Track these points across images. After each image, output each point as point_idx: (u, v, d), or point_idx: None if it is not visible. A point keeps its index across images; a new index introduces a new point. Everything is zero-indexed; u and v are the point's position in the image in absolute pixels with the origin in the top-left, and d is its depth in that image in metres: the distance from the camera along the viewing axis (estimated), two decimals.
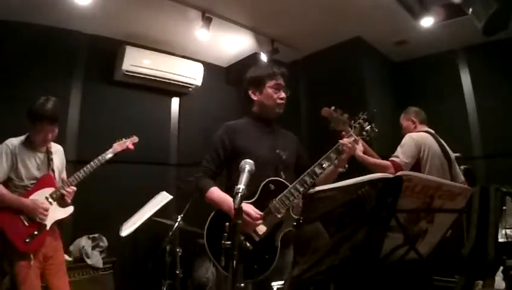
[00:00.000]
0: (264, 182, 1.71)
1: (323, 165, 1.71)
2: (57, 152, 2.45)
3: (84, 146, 3.42)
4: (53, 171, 2.33)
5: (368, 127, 1.82)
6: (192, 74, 4.15)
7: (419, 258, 1.24)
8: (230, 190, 1.75)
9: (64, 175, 2.51)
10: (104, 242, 3.30)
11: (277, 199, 1.69)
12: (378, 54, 4.45)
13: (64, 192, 2.29)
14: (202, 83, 4.24)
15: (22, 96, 3.26)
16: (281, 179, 1.75)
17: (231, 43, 4.11)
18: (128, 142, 2.77)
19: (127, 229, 3.10)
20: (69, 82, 3.61)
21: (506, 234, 2.39)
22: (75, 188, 2.35)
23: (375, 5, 3.36)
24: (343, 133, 1.81)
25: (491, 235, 2.22)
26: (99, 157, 2.48)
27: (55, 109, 2.25)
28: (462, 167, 3.02)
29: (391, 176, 1.09)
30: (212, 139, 1.88)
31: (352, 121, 1.84)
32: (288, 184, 1.72)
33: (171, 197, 3.34)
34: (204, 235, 1.73)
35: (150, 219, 3.17)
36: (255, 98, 1.91)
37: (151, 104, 4.17)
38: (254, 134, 1.86)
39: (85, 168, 2.40)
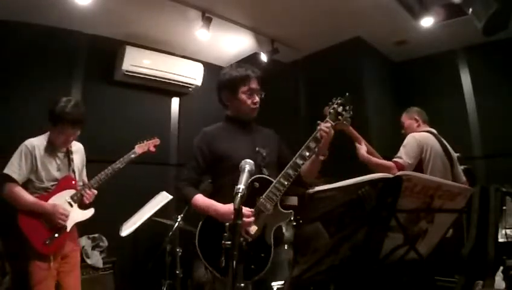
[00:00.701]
0: (248, 181, 1.69)
1: (304, 156, 1.71)
2: (77, 151, 2.42)
3: (84, 146, 3.41)
4: (73, 172, 2.30)
5: (343, 111, 1.82)
6: (192, 74, 4.15)
7: (419, 258, 1.24)
8: (215, 195, 1.78)
9: (84, 173, 2.47)
10: (104, 242, 3.30)
11: (264, 195, 1.68)
12: (378, 54, 4.45)
13: (84, 194, 2.27)
14: (202, 83, 4.24)
15: (22, 96, 3.28)
16: (264, 176, 1.74)
17: (231, 43, 4.11)
18: (150, 144, 2.74)
19: (127, 229, 3.10)
20: (69, 82, 3.61)
21: (506, 234, 2.39)
22: (95, 192, 2.32)
23: (375, 5, 3.36)
24: (318, 122, 1.81)
25: (491, 235, 2.22)
26: (121, 160, 2.45)
27: (79, 112, 2.21)
28: (462, 167, 3.02)
29: (391, 176, 1.09)
30: (192, 147, 1.87)
31: (327, 107, 1.84)
32: (273, 180, 1.71)
33: (171, 197, 3.34)
34: (196, 242, 1.73)
35: (150, 219, 3.17)
36: (228, 103, 1.91)
37: (151, 104, 4.17)
38: (232, 137, 1.86)
39: (107, 170, 2.36)
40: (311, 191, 1.15)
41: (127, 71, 3.72)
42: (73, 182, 2.29)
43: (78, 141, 2.66)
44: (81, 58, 3.72)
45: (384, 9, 3.41)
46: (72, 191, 2.25)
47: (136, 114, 3.92)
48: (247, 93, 1.84)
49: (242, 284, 1.20)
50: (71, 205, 2.23)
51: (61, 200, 2.19)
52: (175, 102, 4.43)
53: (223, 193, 1.73)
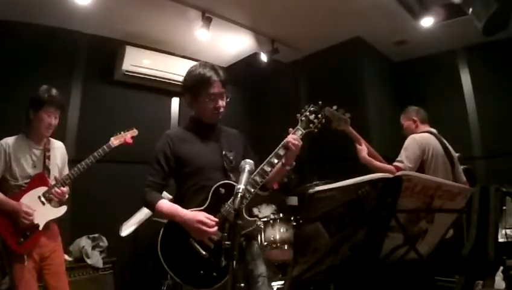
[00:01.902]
0: (214, 187, 1.65)
1: (273, 163, 1.68)
2: (56, 149, 2.39)
3: (84, 146, 3.41)
4: (48, 169, 2.28)
5: (315, 119, 1.79)
6: None
7: (419, 258, 1.24)
8: (180, 200, 1.72)
9: (66, 172, 2.44)
10: (104, 242, 3.29)
11: (229, 202, 1.62)
12: (378, 54, 4.45)
13: (53, 192, 2.20)
14: None
15: (22, 96, 3.27)
16: (230, 182, 1.68)
17: (231, 43, 4.11)
18: (127, 136, 2.62)
19: (127, 229, 3.10)
20: (69, 82, 3.61)
21: (506, 234, 2.39)
22: (65, 189, 2.25)
23: (375, 5, 3.36)
24: (290, 129, 1.79)
25: (491, 235, 2.22)
26: (94, 154, 2.39)
27: (61, 97, 2.28)
28: (462, 167, 3.02)
29: (391, 176, 1.09)
30: (154, 151, 1.80)
31: (298, 115, 1.82)
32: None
33: (171, 197, 3.34)
34: (158, 248, 1.67)
35: (150, 219, 3.17)
36: (192, 105, 1.84)
37: (151, 104, 4.17)
38: (197, 139, 1.80)
39: (79, 166, 2.32)
40: (311, 191, 1.15)
41: (127, 71, 3.72)
42: (45, 179, 2.25)
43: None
44: (81, 58, 3.71)
45: (384, 9, 3.41)
46: (44, 189, 2.22)
47: (136, 114, 3.92)
48: (209, 98, 1.75)
49: (242, 284, 1.20)
50: (43, 203, 2.20)
51: (33, 197, 2.17)
52: (175, 102, 4.43)
53: (187, 198, 1.70)
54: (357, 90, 4.07)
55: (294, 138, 1.73)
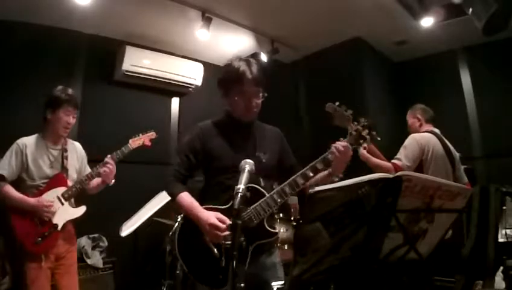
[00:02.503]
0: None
1: (308, 176, 1.56)
2: (74, 150, 2.40)
3: (84, 146, 3.42)
4: (66, 170, 2.28)
5: (367, 135, 1.61)
6: (192, 74, 4.15)
7: (419, 258, 1.24)
8: (205, 195, 1.68)
9: (88, 171, 2.43)
10: (104, 242, 3.30)
11: (251, 208, 1.54)
12: (378, 54, 4.45)
13: (105, 168, 2.24)
14: (202, 83, 4.24)
15: (22, 96, 3.28)
16: (258, 187, 1.59)
17: (231, 43, 4.11)
18: (144, 138, 2.59)
19: (127, 229, 3.10)
20: (69, 82, 3.59)
21: (506, 234, 2.39)
22: (112, 166, 2.28)
23: (375, 5, 3.36)
24: (341, 139, 1.63)
25: (491, 235, 2.22)
26: (113, 154, 2.35)
27: (76, 96, 2.31)
28: (462, 167, 3.02)
29: (391, 176, 1.09)
30: (184, 141, 1.75)
31: (350, 127, 1.64)
32: (266, 193, 1.57)
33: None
34: (175, 242, 1.65)
35: (150, 219, 3.17)
36: (225, 101, 1.76)
37: (151, 104, 4.17)
38: (231, 136, 1.71)
39: (95, 169, 2.31)
40: (311, 191, 1.15)
41: (127, 71, 3.73)
42: (64, 179, 2.26)
43: (78, 140, 2.65)
44: (81, 58, 3.72)
45: (384, 9, 3.41)
46: (63, 189, 2.23)
47: (136, 114, 3.92)
48: (240, 95, 1.65)
49: (242, 285, 1.19)
50: (62, 203, 2.21)
51: (51, 197, 2.18)
52: (175, 102, 4.44)
53: (211, 194, 1.66)
54: (357, 90, 4.07)
55: (342, 146, 1.56)
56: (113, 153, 2.35)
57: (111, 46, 3.82)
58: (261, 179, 1.63)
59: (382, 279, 1.29)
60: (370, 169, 2.58)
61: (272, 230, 1.60)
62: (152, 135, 2.64)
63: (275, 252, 1.76)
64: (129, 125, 3.76)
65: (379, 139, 1.62)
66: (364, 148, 2.51)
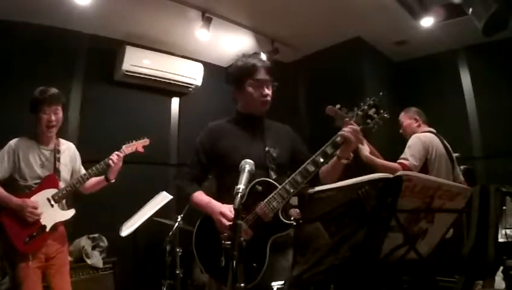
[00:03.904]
0: (251, 184, 1.55)
1: (318, 162, 1.52)
2: (67, 150, 2.40)
3: (84, 146, 3.40)
4: (58, 171, 2.28)
5: (375, 114, 1.54)
6: (192, 74, 4.16)
7: (419, 258, 1.24)
8: (218, 194, 1.69)
9: (82, 172, 2.43)
10: (104, 242, 3.30)
11: (264, 201, 1.53)
12: (378, 54, 4.46)
13: (113, 158, 2.30)
14: (202, 83, 4.24)
15: (22, 96, 3.27)
16: (269, 180, 1.59)
17: (231, 43, 4.11)
18: (138, 145, 2.61)
19: (127, 229, 3.10)
20: (69, 82, 3.61)
21: (506, 234, 2.39)
22: (117, 158, 2.34)
23: (375, 5, 3.36)
24: (346, 119, 1.56)
25: (491, 235, 2.22)
26: (106, 160, 2.36)
27: (54, 91, 2.25)
28: (462, 167, 3.02)
29: (391, 176, 1.09)
30: (195, 142, 1.77)
31: (356, 108, 1.58)
32: (278, 185, 1.55)
33: (171, 197, 3.34)
34: (193, 242, 1.67)
35: (150, 219, 3.17)
36: (236, 96, 1.77)
37: (151, 104, 4.17)
38: (240, 134, 1.73)
39: (90, 171, 2.32)
40: (311, 191, 1.14)
41: (127, 71, 3.73)
42: (55, 181, 2.26)
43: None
44: (81, 58, 3.72)
45: (384, 9, 3.41)
46: (54, 191, 2.23)
47: (136, 114, 3.92)
48: (254, 85, 1.69)
49: (242, 285, 1.19)
50: (51, 205, 2.20)
51: (42, 199, 2.18)
52: (175, 102, 4.44)
53: (223, 193, 1.66)
54: (357, 90, 4.07)
55: (351, 128, 1.51)
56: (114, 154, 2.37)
57: (111, 46, 3.82)
58: (272, 173, 1.64)
59: (382, 279, 1.29)
60: (370, 169, 2.57)
61: (288, 221, 1.56)
62: (146, 141, 2.66)
63: (290, 253, 1.67)
64: (129, 125, 3.77)
65: (387, 116, 1.55)
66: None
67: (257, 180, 1.57)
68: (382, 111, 1.55)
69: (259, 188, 1.57)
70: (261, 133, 1.75)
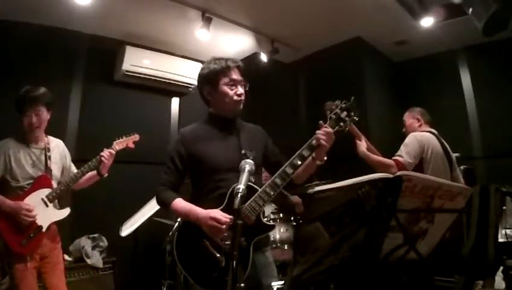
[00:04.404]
0: (231, 188, 1.55)
1: (296, 165, 1.57)
2: (56, 148, 2.38)
3: (84, 146, 3.43)
4: (50, 170, 2.27)
5: (346, 117, 1.63)
6: (192, 74, 4.15)
7: (419, 258, 1.24)
8: (196, 200, 1.67)
9: (73, 169, 2.44)
10: (104, 242, 3.30)
11: (246, 204, 1.52)
12: (378, 54, 4.45)
13: (104, 154, 2.31)
14: None
15: None
16: (249, 183, 1.54)
17: (231, 43, 4.11)
18: (129, 140, 2.62)
19: (127, 229, 3.10)
20: (69, 82, 3.61)
21: (506, 234, 2.39)
22: (109, 154, 2.35)
23: (375, 5, 3.36)
24: (321, 122, 1.65)
25: (491, 235, 2.22)
26: (97, 157, 2.37)
27: (37, 91, 2.22)
28: (462, 167, 3.02)
29: (391, 176, 1.09)
30: (170, 149, 1.76)
31: (328, 112, 1.67)
32: (258, 188, 1.57)
33: None
34: (174, 248, 1.64)
35: (150, 219, 3.17)
36: (210, 97, 1.77)
37: (151, 104, 4.17)
38: (214, 137, 1.73)
39: (82, 169, 2.32)
40: (311, 191, 1.14)
41: (127, 71, 3.73)
42: (48, 181, 2.25)
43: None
44: (81, 58, 3.72)
45: (384, 9, 3.41)
46: (48, 190, 2.21)
47: (136, 114, 3.92)
48: (228, 85, 1.71)
49: (242, 285, 1.19)
50: (46, 205, 2.19)
51: (36, 199, 2.16)
52: (175, 102, 4.44)
53: (202, 198, 1.65)
54: (357, 91, 4.07)
55: (325, 132, 1.59)
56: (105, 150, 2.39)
57: (111, 46, 3.82)
58: (251, 177, 1.60)
59: (382, 279, 1.29)
60: (370, 169, 2.58)
61: (270, 223, 1.61)
62: (135, 137, 2.66)
63: (268, 251, 1.76)
64: (129, 126, 3.75)
65: (356, 119, 1.66)
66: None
67: (237, 184, 1.58)
68: (353, 114, 1.65)
69: None
70: (236, 135, 1.75)
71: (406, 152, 2.64)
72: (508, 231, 2.39)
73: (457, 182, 2.71)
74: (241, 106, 1.75)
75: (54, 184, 2.27)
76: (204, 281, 1.56)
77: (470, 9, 2.35)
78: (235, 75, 1.74)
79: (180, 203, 1.64)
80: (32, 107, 2.20)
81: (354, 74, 4.15)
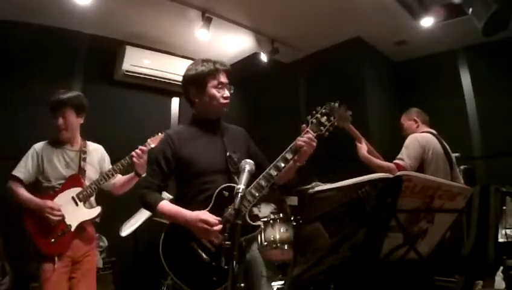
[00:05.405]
0: (218, 190, 1.60)
1: (280, 167, 1.61)
2: (93, 151, 2.39)
3: None
4: (83, 171, 2.26)
5: (326, 122, 1.67)
6: None
7: (419, 258, 1.24)
8: (182, 202, 1.67)
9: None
10: (104, 242, 3.29)
11: (232, 205, 1.52)
12: (378, 54, 4.46)
13: (89, 191, 2.21)
14: None
15: (22, 96, 3.28)
16: (234, 185, 1.56)
17: (231, 43, 4.11)
18: (160, 138, 2.58)
19: (127, 229, 3.10)
20: (69, 82, 3.60)
21: (506, 234, 2.39)
22: (141, 152, 2.24)
23: (375, 5, 3.36)
24: (303, 126, 1.69)
25: (491, 235, 2.22)
26: (132, 154, 2.28)
27: (63, 94, 2.24)
28: (462, 167, 3.02)
29: (391, 176, 1.09)
30: (154, 151, 1.74)
31: (309, 116, 1.71)
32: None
33: (171, 197, 3.34)
34: (160, 250, 1.64)
35: (150, 219, 3.17)
36: (196, 99, 1.76)
37: (151, 104, 4.17)
38: (200, 139, 1.73)
39: (115, 166, 2.30)
40: (311, 191, 1.15)
41: (127, 71, 3.73)
42: (80, 180, 2.24)
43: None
44: (81, 58, 3.72)
45: (384, 9, 3.41)
46: (79, 189, 2.20)
47: (136, 114, 3.92)
48: (217, 87, 1.72)
49: (242, 285, 1.19)
50: (76, 204, 2.18)
51: (66, 198, 2.16)
52: (175, 102, 4.43)
53: (188, 201, 1.65)
54: (357, 90, 4.07)
55: (307, 138, 1.63)
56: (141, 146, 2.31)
57: (111, 46, 3.82)
58: (236, 178, 1.64)
59: (382, 279, 1.29)
60: (370, 169, 2.58)
61: (255, 224, 1.62)
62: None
63: (254, 245, 1.78)
64: (129, 125, 3.77)
65: (336, 123, 1.70)
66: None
67: (223, 186, 1.61)
68: (332, 119, 1.69)
69: (226, 193, 1.60)
70: (221, 137, 1.77)
71: (407, 155, 2.64)
72: (508, 231, 2.40)
73: (457, 182, 2.72)
74: (226, 109, 1.77)
75: (87, 184, 2.25)
76: (193, 283, 1.56)
77: (470, 9, 2.36)
78: (223, 78, 1.75)
79: (166, 205, 1.64)
80: (60, 110, 2.22)
81: (354, 74, 4.15)
